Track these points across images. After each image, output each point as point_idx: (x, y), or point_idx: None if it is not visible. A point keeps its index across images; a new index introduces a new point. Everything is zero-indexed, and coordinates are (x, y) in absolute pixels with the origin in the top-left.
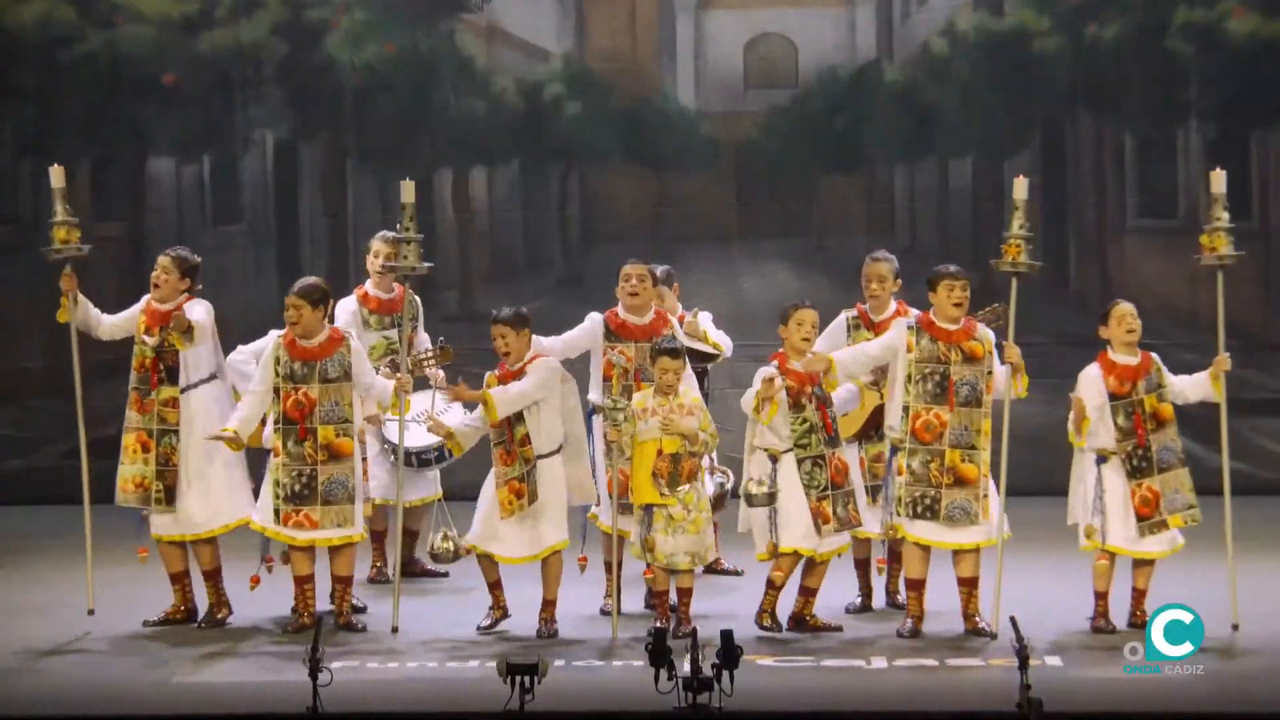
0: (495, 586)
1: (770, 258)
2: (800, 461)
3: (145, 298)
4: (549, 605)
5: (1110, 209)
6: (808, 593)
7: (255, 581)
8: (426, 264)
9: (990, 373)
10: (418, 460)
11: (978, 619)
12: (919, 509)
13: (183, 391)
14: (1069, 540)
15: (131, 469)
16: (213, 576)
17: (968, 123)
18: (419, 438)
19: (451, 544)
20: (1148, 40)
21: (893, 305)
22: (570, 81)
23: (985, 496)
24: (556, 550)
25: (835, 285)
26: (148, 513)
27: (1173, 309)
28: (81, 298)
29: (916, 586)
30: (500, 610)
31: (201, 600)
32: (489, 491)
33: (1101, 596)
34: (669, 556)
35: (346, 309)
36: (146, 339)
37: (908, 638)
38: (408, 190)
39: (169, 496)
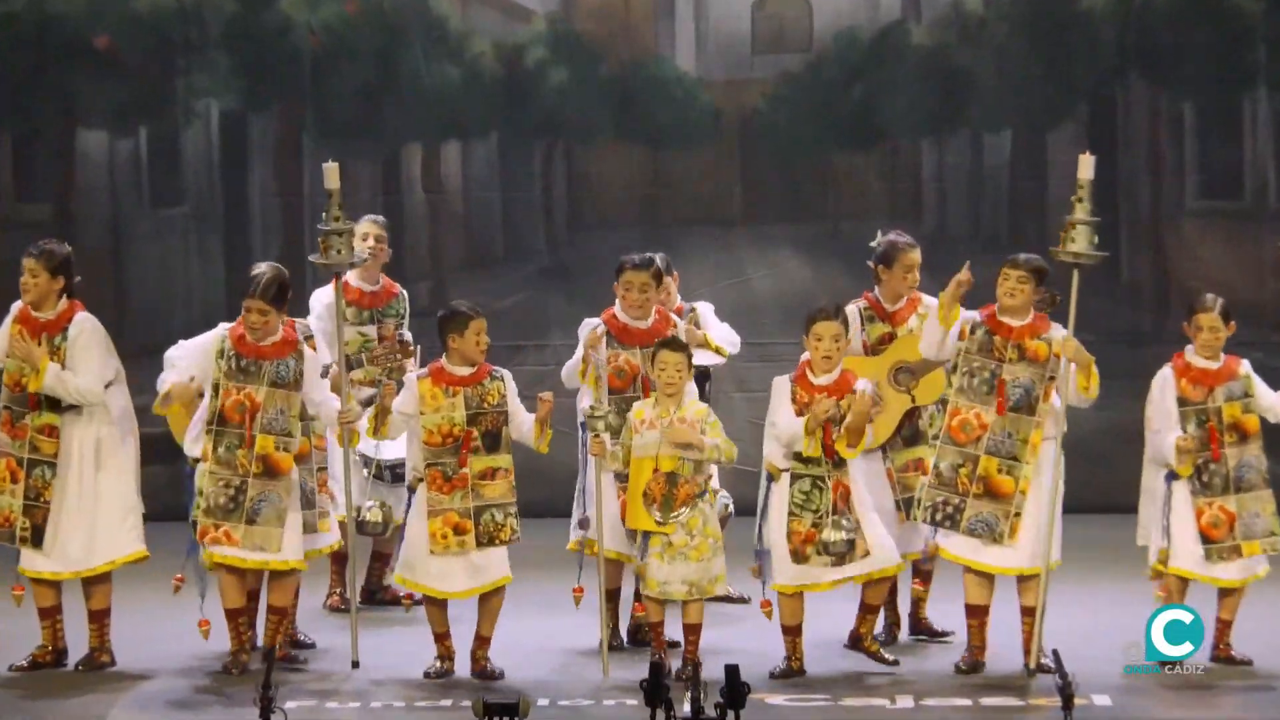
0: (444, 637)
1: (779, 245)
2: (796, 479)
3: (16, 305)
4: (484, 642)
5: (1166, 189)
6: (866, 610)
7: (179, 582)
8: (362, 256)
9: (1052, 378)
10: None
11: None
12: (938, 516)
13: (64, 411)
14: (1122, 563)
15: None
16: (99, 618)
17: (1004, 92)
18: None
19: (382, 515)
20: None
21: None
22: (555, 45)
23: (1018, 516)
24: (501, 585)
25: (852, 275)
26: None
27: (1235, 301)
28: None
29: (977, 614)
30: (450, 662)
31: (75, 641)
32: (417, 523)
33: None
34: (661, 585)
35: (321, 301)
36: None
37: (966, 673)
38: (331, 174)
39: (36, 536)
